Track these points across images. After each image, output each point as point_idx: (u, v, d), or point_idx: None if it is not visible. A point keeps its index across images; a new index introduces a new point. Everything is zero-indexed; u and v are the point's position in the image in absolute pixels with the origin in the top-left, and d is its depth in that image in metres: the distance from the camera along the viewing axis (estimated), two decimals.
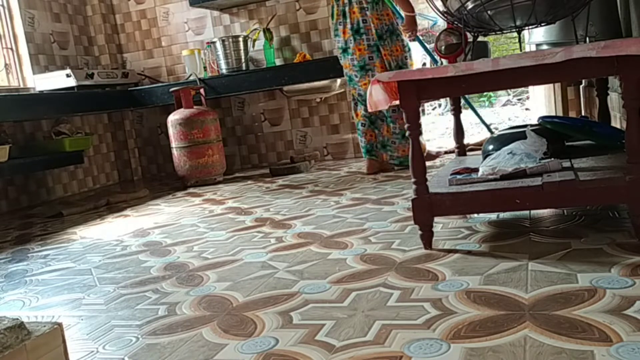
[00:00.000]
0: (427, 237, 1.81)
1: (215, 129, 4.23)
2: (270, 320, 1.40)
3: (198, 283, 1.80)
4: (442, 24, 7.90)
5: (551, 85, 3.88)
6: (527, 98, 7.21)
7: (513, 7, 1.72)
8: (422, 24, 8.96)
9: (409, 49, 3.67)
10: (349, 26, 3.58)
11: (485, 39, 2.21)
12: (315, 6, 4.64)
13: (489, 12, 1.78)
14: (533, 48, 2.81)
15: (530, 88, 5.55)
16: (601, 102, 2.40)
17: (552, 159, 1.86)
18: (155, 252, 2.31)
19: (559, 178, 1.68)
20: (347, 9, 3.57)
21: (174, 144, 4.17)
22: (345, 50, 3.64)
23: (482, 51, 2.16)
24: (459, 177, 1.90)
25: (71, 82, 4.18)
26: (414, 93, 1.71)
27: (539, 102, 4.72)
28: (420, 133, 1.78)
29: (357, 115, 3.74)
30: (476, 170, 1.93)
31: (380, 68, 3.58)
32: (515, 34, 1.95)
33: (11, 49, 4.39)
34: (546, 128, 2.08)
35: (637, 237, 1.61)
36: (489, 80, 1.65)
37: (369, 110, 1.87)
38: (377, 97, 1.82)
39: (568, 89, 3.78)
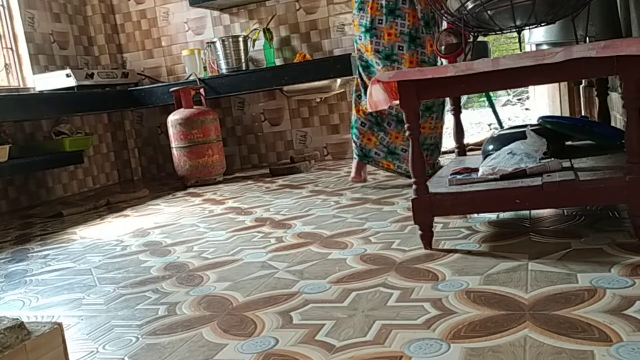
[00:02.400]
0: (427, 237, 1.81)
1: (215, 129, 4.23)
2: (270, 320, 1.40)
3: (198, 283, 1.80)
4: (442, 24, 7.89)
5: (555, 85, 3.87)
6: (527, 98, 7.21)
7: (513, 7, 1.72)
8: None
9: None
10: (383, 1, 2.94)
11: (486, 39, 2.21)
12: (315, 6, 4.64)
13: (489, 12, 1.78)
14: (533, 48, 2.81)
15: (531, 88, 5.55)
16: (601, 102, 2.40)
17: (552, 159, 1.86)
18: (155, 252, 2.31)
19: (559, 178, 1.68)
20: None
21: (174, 144, 4.17)
22: (369, 30, 2.99)
23: (482, 51, 2.16)
24: (459, 177, 1.90)
25: (71, 82, 4.17)
26: (414, 93, 1.71)
27: (542, 102, 4.71)
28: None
29: (358, 111, 3.17)
30: (476, 170, 1.93)
31: (410, 64, 2.95)
32: (515, 34, 1.95)
33: (11, 49, 4.39)
34: (546, 128, 2.08)
35: (637, 237, 1.61)
36: (489, 80, 1.65)
37: (370, 109, 1.87)
38: (377, 97, 1.82)
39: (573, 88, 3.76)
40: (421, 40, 2.93)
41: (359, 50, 3.12)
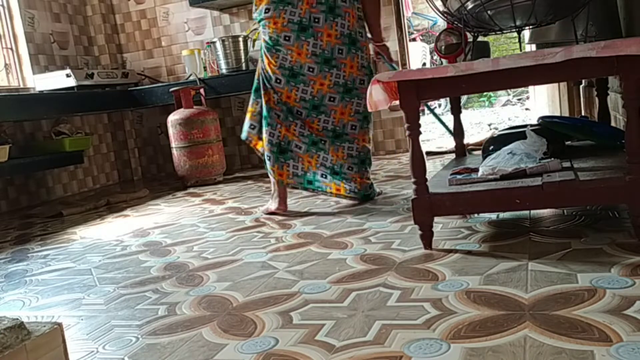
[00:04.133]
0: (427, 237, 1.81)
1: (215, 129, 4.23)
2: (270, 320, 1.40)
3: (198, 283, 1.80)
4: (442, 24, 7.91)
5: (555, 85, 3.87)
6: (527, 98, 7.22)
7: (513, 7, 1.72)
8: (422, 24, 8.97)
9: (370, 74, 2.63)
10: None
11: (486, 39, 2.21)
12: None
13: (489, 12, 1.78)
14: (533, 48, 2.81)
15: (531, 88, 5.55)
16: (601, 102, 2.40)
17: (552, 159, 1.86)
18: (155, 252, 2.31)
19: (559, 178, 1.68)
20: None
21: (174, 144, 4.17)
22: (304, 30, 2.54)
23: (482, 51, 2.17)
24: (459, 177, 1.90)
25: (71, 82, 4.18)
26: (414, 93, 1.72)
27: (542, 102, 4.71)
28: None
29: (274, 136, 2.62)
30: (476, 170, 1.93)
31: (350, 69, 2.61)
32: (515, 34, 1.95)
33: (11, 49, 4.39)
34: (546, 128, 2.09)
35: (637, 237, 1.61)
36: (489, 80, 1.65)
37: (369, 110, 1.86)
38: (377, 97, 1.82)
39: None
40: (360, 43, 2.61)
41: (275, 56, 2.58)
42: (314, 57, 2.55)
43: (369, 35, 2.72)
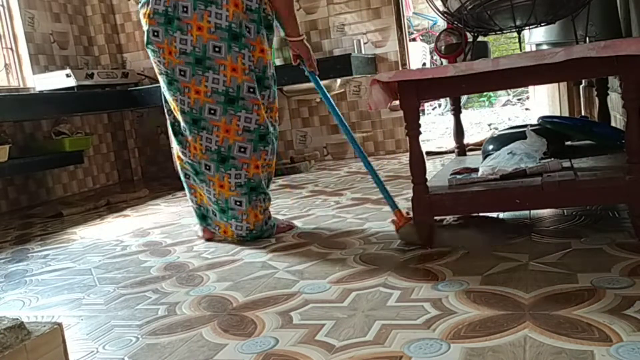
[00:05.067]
0: (427, 237, 1.81)
1: None
2: (270, 320, 1.40)
3: (198, 283, 1.80)
4: (442, 24, 7.91)
5: (555, 85, 3.87)
6: (527, 98, 7.22)
7: (513, 7, 1.72)
8: (422, 24, 8.97)
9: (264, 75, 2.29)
10: None
11: (486, 39, 2.21)
12: (315, 6, 4.64)
13: (489, 12, 1.78)
14: (533, 48, 2.81)
15: (531, 88, 5.55)
16: (601, 102, 2.41)
17: (552, 159, 1.86)
18: (155, 252, 2.31)
19: (559, 178, 1.68)
20: None
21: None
22: (170, 22, 2.07)
23: (482, 51, 2.17)
24: (459, 177, 1.90)
25: (71, 82, 4.17)
26: (414, 93, 1.72)
27: (542, 102, 4.71)
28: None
29: (178, 158, 2.29)
30: (476, 170, 1.93)
31: (233, 72, 2.09)
32: (515, 34, 1.95)
33: (11, 49, 4.39)
34: (546, 128, 2.09)
35: (637, 237, 1.61)
36: (489, 80, 1.65)
37: (370, 109, 1.86)
38: (377, 97, 1.82)
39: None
40: (245, 39, 2.12)
41: (154, 59, 2.21)
42: (183, 57, 2.08)
43: (281, 33, 2.27)
